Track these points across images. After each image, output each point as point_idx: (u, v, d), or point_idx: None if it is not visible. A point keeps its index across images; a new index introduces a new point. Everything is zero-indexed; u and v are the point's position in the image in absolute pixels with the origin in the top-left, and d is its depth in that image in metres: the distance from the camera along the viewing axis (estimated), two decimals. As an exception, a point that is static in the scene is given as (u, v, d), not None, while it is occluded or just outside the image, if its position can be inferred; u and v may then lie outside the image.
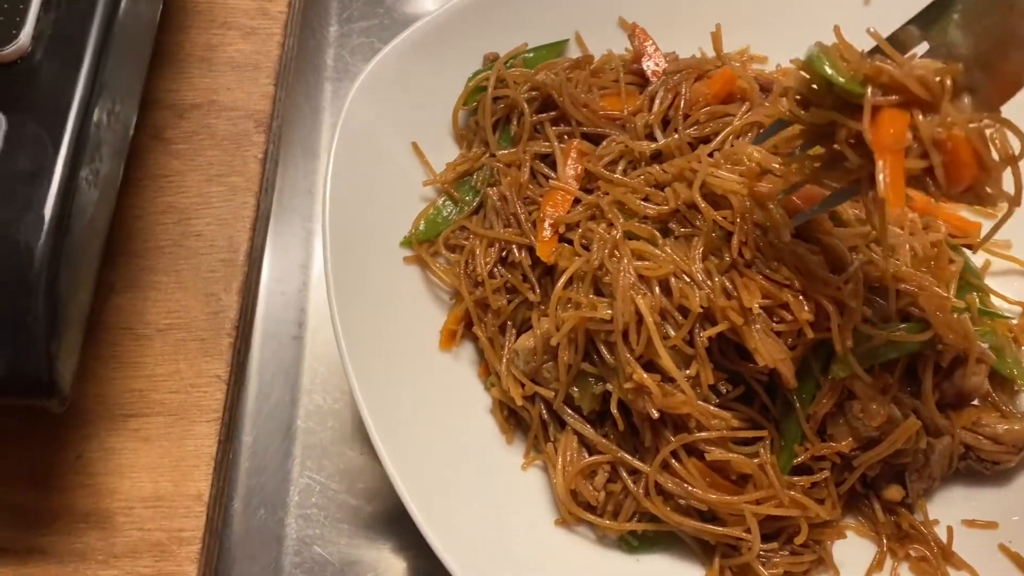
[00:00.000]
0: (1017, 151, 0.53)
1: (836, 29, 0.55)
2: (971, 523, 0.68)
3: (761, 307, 0.62)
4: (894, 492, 0.67)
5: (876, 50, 0.55)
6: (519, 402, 0.68)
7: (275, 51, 0.77)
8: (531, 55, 0.79)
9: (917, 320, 0.66)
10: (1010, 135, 0.53)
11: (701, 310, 0.62)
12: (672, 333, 0.63)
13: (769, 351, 0.62)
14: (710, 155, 0.70)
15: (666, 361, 0.62)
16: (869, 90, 0.53)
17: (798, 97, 0.57)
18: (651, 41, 0.79)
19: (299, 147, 0.74)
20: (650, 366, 0.64)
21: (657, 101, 0.74)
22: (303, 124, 0.75)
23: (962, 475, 0.70)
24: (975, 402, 0.70)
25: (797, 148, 0.60)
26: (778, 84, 0.74)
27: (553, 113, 0.75)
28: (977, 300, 0.72)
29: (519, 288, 0.70)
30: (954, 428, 0.67)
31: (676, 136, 0.72)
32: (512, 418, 0.71)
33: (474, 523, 0.64)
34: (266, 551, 0.72)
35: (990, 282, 0.77)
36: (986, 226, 0.78)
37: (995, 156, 0.53)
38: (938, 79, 0.52)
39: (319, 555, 0.72)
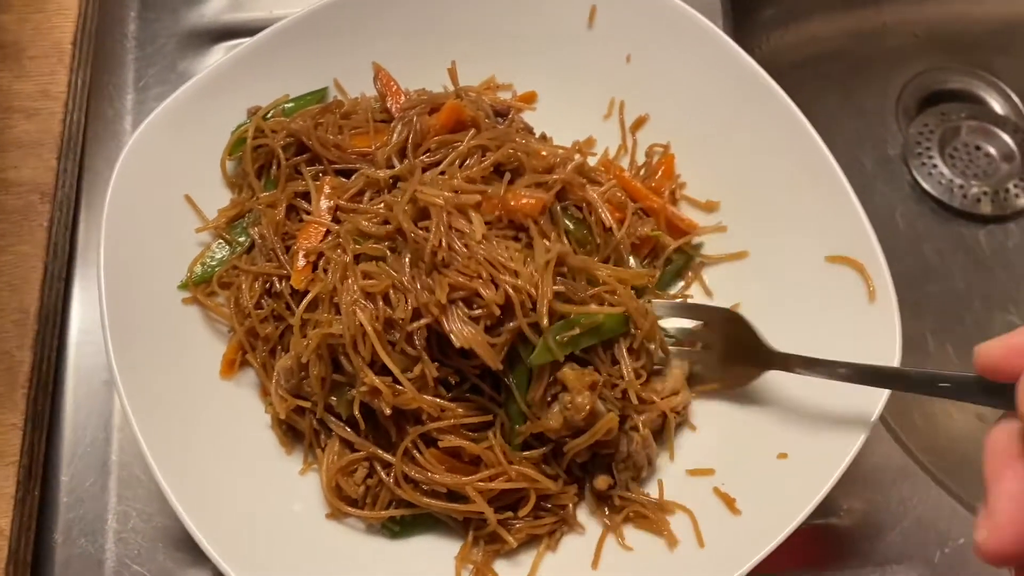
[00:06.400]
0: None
1: None
2: (693, 471, 0.77)
3: (460, 298, 0.71)
4: (602, 482, 0.75)
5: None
6: (283, 415, 0.77)
7: (57, 128, 0.86)
8: (291, 104, 0.89)
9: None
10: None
11: (409, 313, 0.71)
12: (398, 338, 0.72)
13: (463, 334, 0.71)
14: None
15: (389, 363, 0.71)
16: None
17: None
18: (394, 82, 0.88)
19: (102, 210, 0.81)
20: (385, 369, 0.73)
21: (395, 135, 0.83)
22: (105, 189, 0.83)
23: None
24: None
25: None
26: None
27: (307, 155, 0.85)
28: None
29: (283, 315, 0.79)
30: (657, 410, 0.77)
31: (407, 162, 0.81)
32: (290, 432, 0.79)
33: (253, 527, 0.72)
34: (89, 574, 0.80)
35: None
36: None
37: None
38: None
39: (138, 572, 0.81)
